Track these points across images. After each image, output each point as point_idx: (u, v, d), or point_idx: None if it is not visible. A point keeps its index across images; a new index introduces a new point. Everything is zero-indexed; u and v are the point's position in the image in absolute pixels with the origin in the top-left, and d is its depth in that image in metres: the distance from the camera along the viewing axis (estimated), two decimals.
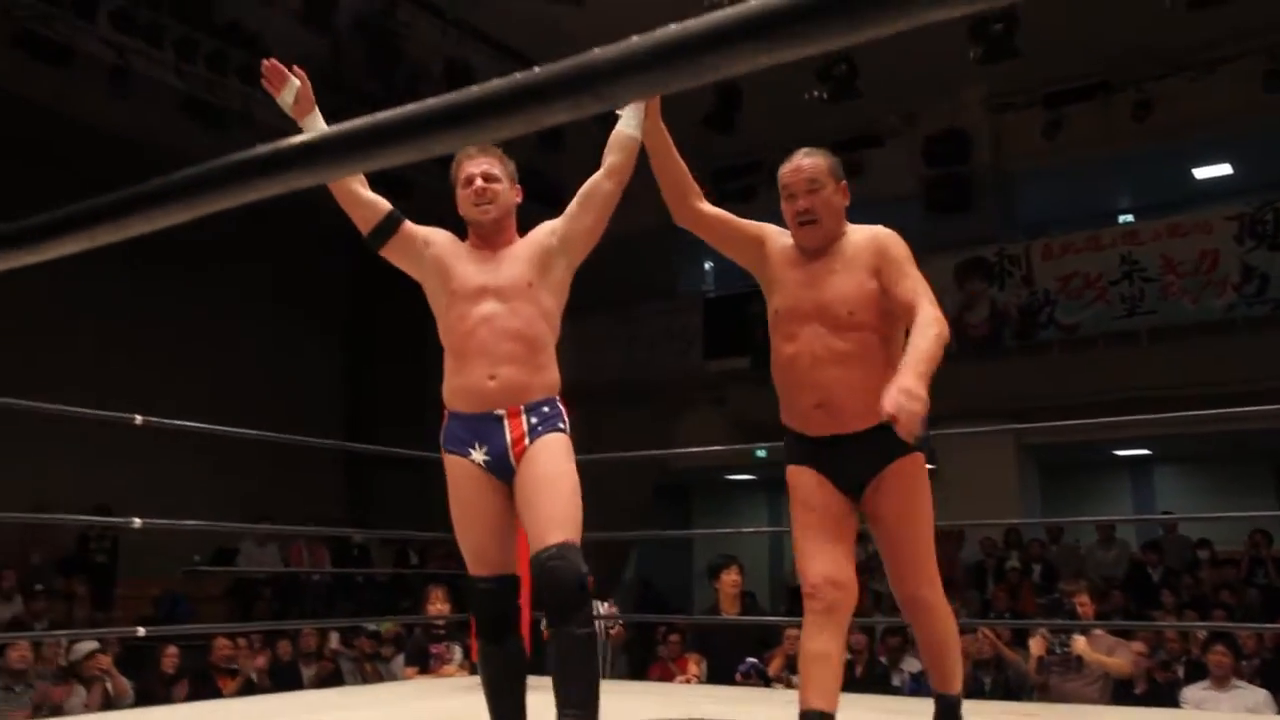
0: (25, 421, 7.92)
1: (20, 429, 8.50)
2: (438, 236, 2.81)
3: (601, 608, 5.97)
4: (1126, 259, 9.68)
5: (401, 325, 8.15)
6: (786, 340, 2.69)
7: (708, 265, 13.11)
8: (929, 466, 2.76)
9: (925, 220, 10.75)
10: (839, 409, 2.64)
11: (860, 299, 2.64)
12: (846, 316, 2.62)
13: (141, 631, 4.78)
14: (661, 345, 11.75)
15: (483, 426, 2.67)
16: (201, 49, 8.70)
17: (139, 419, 3.85)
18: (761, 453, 6.77)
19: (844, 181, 2.79)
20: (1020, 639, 6.48)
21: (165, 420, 4.15)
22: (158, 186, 0.61)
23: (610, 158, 2.82)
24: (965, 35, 8.70)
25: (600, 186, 2.81)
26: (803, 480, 2.71)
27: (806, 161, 2.76)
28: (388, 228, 2.78)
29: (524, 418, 2.66)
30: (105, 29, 8.21)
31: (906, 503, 2.68)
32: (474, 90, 0.55)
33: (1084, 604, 5.86)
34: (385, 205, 2.80)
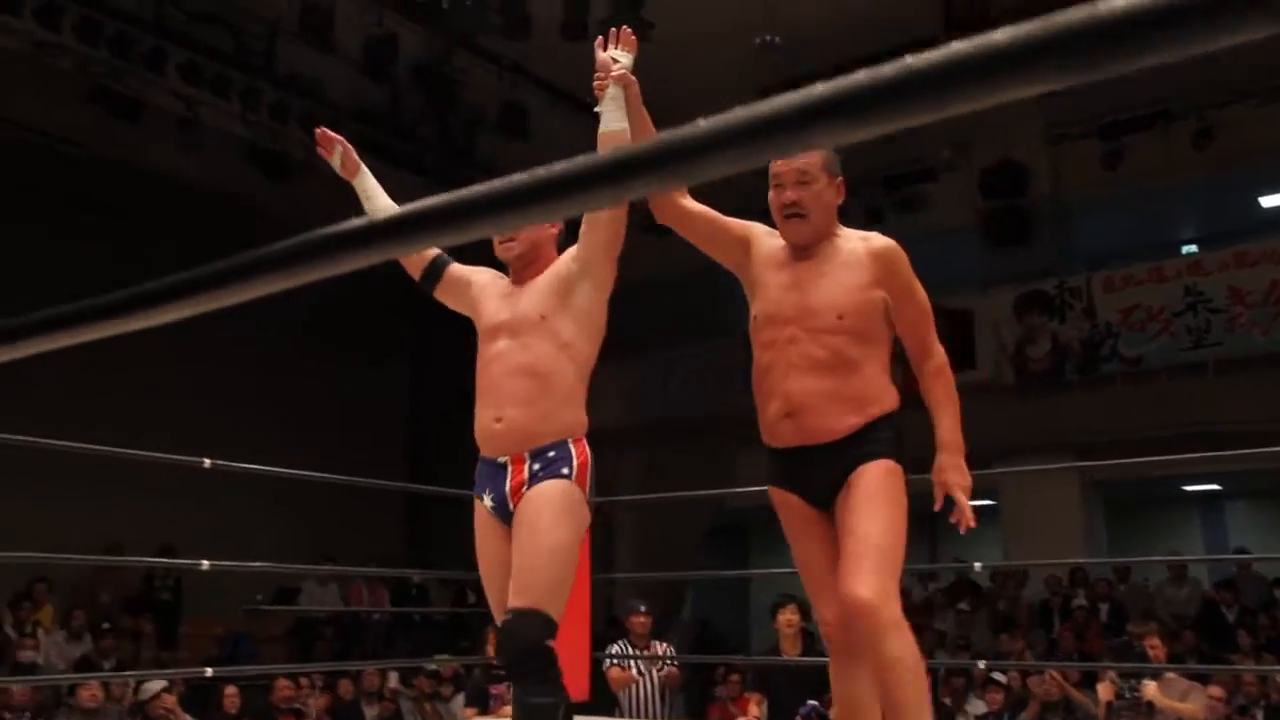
0: (94, 461, 8.09)
1: (90, 469, 8.68)
2: (479, 276, 2.80)
3: (659, 648, 5.93)
4: (1191, 290, 9.49)
5: (461, 364, 8.22)
6: (764, 348, 2.55)
7: None
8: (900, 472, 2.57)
9: (983, 253, 10.65)
10: (807, 420, 2.47)
11: (851, 304, 2.49)
12: (835, 322, 2.48)
13: (209, 672, 4.83)
14: (716, 382, 11.71)
15: (491, 472, 2.61)
16: (265, 99, 8.93)
17: (208, 462, 3.92)
18: None
19: (840, 178, 2.63)
20: (1089, 681, 6.31)
21: (233, 464, 4.21)
22: (255, 259, 0.63)
23: None
24: None
25: None
26: (782, 508, 2.57)
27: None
28: (434, 272, 2.81)
29: (527, 464, 2.54)
30: (174, 82, 8.46)
31: (863, 497, 2.43)
32: (563, 166, 0.55)
33: (1155, 646, 5.70)
34: (431, 251, 2.83)
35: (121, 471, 9.00)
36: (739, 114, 0.51)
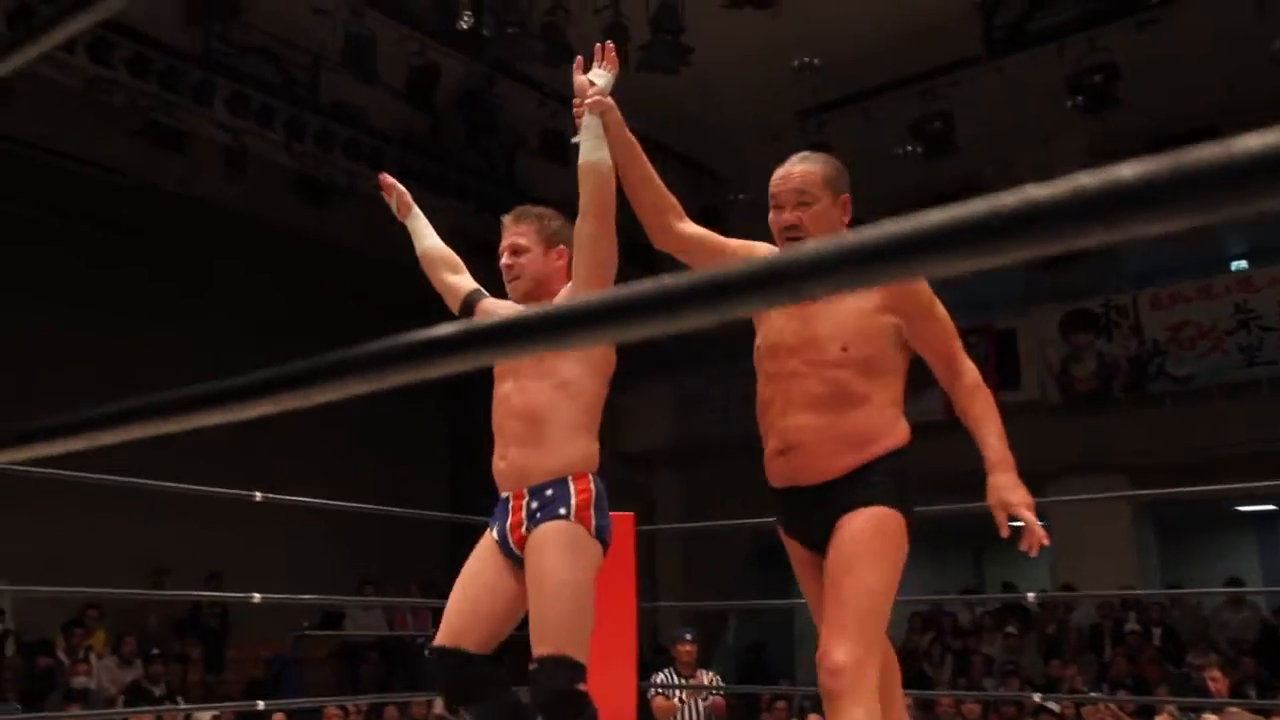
0: (142, 488, 8.20)
1: (137, 495, 8.79)
2: (501, 310, 2.80)
3: (705, 677, 5.88)
4: (1241, 307, 9.33)
5: None
6: (766, 381, 2.40)
7: None
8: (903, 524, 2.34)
9: (1026, 272, 10.55)
10: (801, 458, 2.31)
11: (859, 333, 2.30)
12: (838, 353, 2.29)
13: (261, 705, 4.85)
14: (749, 407, 11.67)
15: (500, 508, 2.65)
16: (309, 128, 9.06)
17: (259, 496, 3.97)
18: None
19: (845, 195, 2.41)
20: (1144, 710, 6.17)
21: (283, 497, 4.26)
22: (340, 360, 0.64)
23: (580, 196, 2.51)
24: (1063, 85, 8.60)
25: (580, 231, 2.53)
26: (789, 551, 2.44)
27: (798, 169, 2.38)
28: (467, 309, 2.85)
29: (525, 501, 2.56)
30: (221, 113, 8.61)
31: (849, 551, 2.22)
32: (668, 282, 0.54)
33: (1215, 679, 5.53)
34: (466, 287, 2.88)
35: (168, 497, 9.12)
36: (851, 241, 0.49)
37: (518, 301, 2.72)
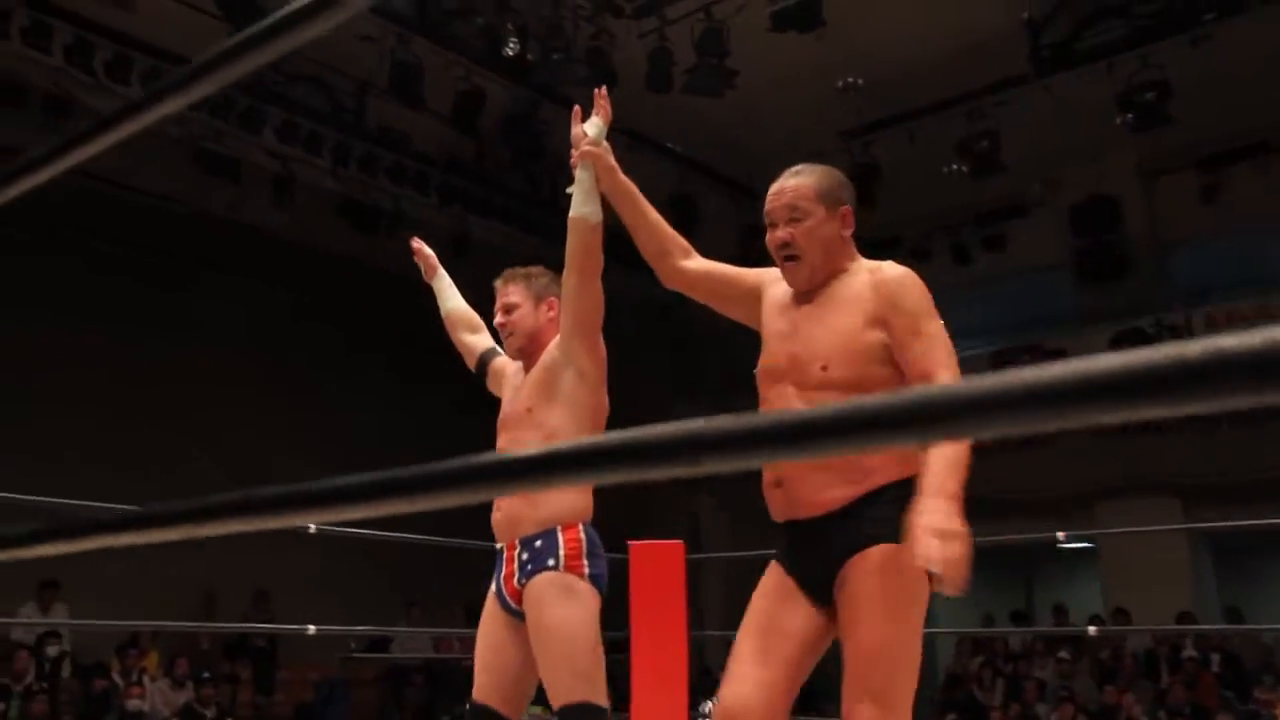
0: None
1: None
2: (509, 367, 2.88)
3: None
4: None
5: None
6: (762, 406, 2.25)
7: None
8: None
9: (1076, 291, 10.43)
10: (793, 490, 2.14)
11: (842, 352, 2.12)
12: (819, 373, 2.12)
13: None
14: None
15: (496, 560, 2.70)
16: (355, 153, 9.20)
17: (313, 527, 4.03)
18: None
19: (845, 207, 2.27)
20: None
21: (335, 526, 4.30)
22: (411, 476, 0.66)
23: (567, 248, 2.55)
24: (1113, 103, 8.53)
25: (565, 283, 2.58)
26: (765, 577, 2.23)
27: (790, 183, 2.26)
28: (482, 367, 2.99)
29: (517, 552, 2.61)
30: (270, 140, 8.77)
31: (864, 599, 2.03)
32: (793, 414, 0.53)
33: None
34: (482, 347, 3.01)
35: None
36: (998, 383, 0.46)
37: (513, 357, 2.82)
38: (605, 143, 2.48)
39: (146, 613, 7.97)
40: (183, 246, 9.82)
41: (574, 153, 2.49)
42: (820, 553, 2.09)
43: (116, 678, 8.05)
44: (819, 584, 2.10)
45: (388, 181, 9.45)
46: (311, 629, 4.02)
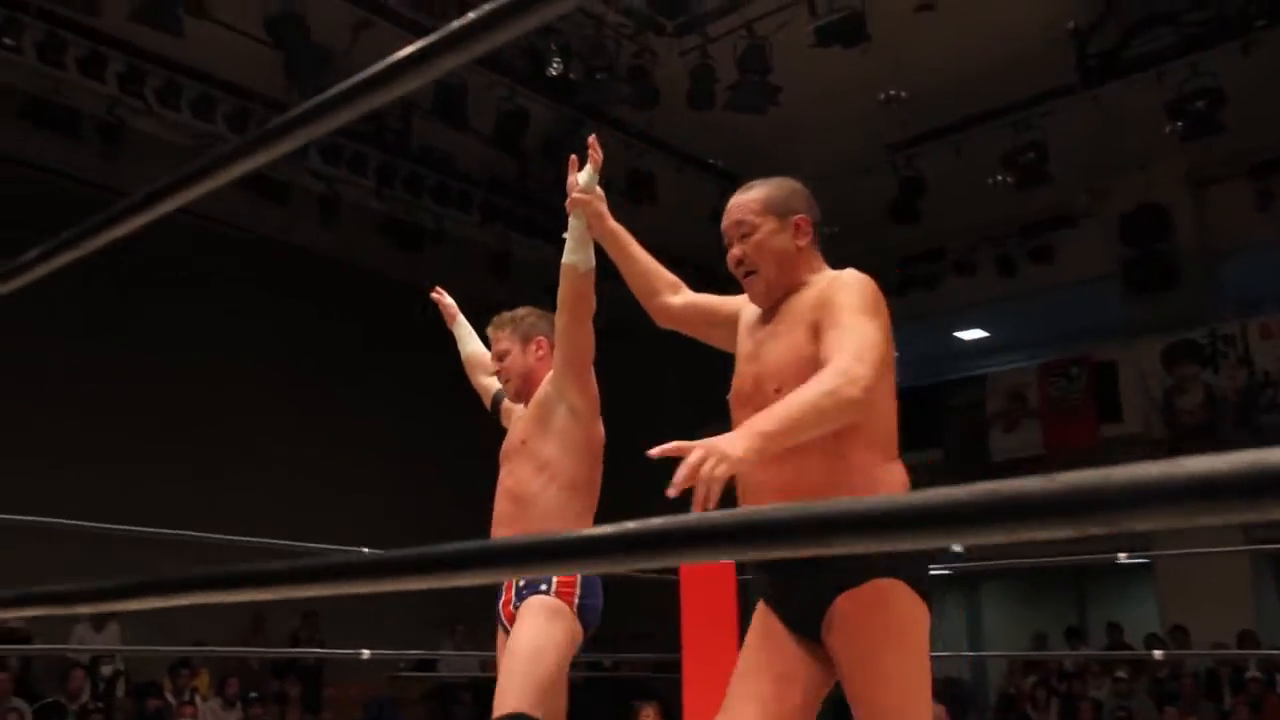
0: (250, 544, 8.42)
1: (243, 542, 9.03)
2: (516, 407, 3.00)
3: None
4: None
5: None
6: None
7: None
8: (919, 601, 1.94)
9: (1125, 302, 10.29)
10: None
11: (789, 370, 2.01)
12: (773, 395, 1.98)
13: None
14: None
15: (498, 588, 2.78)
16: (399, 173, 9.32)
17: (367, 551, 4.05)
18: (957, 548, 6.49)
19: (798, 216, 2.18)
20: None
21: (390, 552, 4.34)
22: (468, 551, 0.68)
23: (559, 292, 2.65)
24: (1162, 111, 8.43)
25: (557, 324, 2.69)
26: (754, 617, 2.11)
27: (738, 199, 2.21)
28: (495, 408, 3.18)
29: (515, 581, 2.69)
30: (316, 162, 8.91)
31: (865, 651, 1.90)
32: (938, 494, 0.50)
33: None
34: (495, 387, 3.15)
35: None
36: (1177, 471, 0.46)
37: (512, 399, 2.96)
38: (598, 189, 2.52)
39: (197, 632, 8.08)
40: (235, 267, 9.98)
41: (567, 201, 2.54)
42: (804, 586, 1.96)
43: (169, 697, 8.16)
44: (805, 622, 1.99)
45: (431, 201, 9.56)
46: (366, 653, 4.07)
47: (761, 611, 2.09)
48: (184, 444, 9.61)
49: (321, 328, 10.60)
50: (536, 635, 2.55)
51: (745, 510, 0.58)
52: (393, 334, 10.97)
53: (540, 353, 2.88)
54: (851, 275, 2.10)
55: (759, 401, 2.00)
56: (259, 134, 0.89)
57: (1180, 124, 8.44)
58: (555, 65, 8.12)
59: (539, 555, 0.68)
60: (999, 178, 9.37)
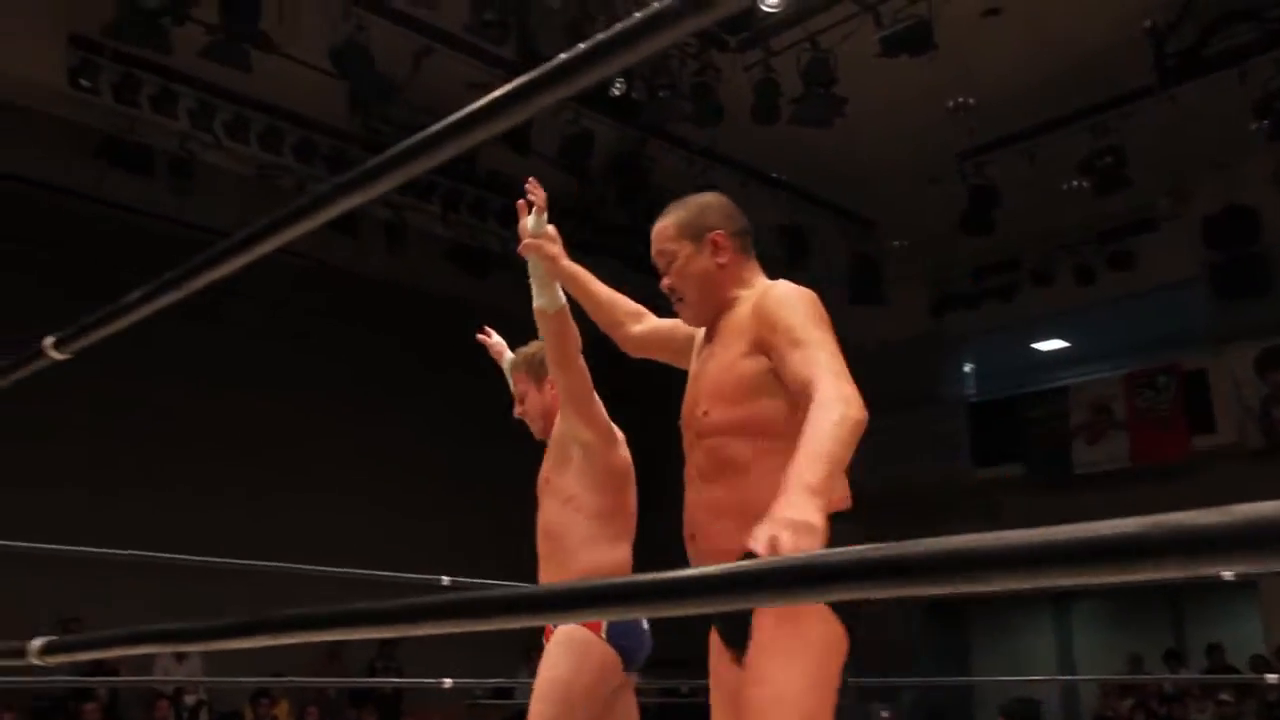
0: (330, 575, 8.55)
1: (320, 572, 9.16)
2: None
3: None
4: None
5: (645, 473, 8.29)
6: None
7: (968, 368, 12.68)
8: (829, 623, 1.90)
9: (1213, 308, 10.01)
10: (702, 542, 2.04)
11: (718, 390, 2.02)
12: (702, 419, 2.04)
13: None
14: (925, 454, 11.37)
15: None
16: (465, 199, 9.45)
17: (446, 579, 4.18)
18: (1228, 575, 6.34)
19: (714, 234, 2.15)
20: None
21: (469, 579, 4.40)
22: (512, 595, 0.74)
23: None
24: (1247, 109, 8.23)
25: (549, 367, 2.78)
26: (710, 645, 2.13)
27: (655, 228, 2.23)
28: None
29: None
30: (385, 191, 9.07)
31: (755, 655, 1.88)
32: (1107, 528, 0.49)
33: None
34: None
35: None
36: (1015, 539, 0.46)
37: (538, 438, 3.02)
38: (548, 229, 2.57)
39: (276, 662, 8.21)
40: (300, 296, 10.19)
41: (519, 248, 2.60)
42: (733, 611, 1.93)
43: None
44: (735, 638, 1.98)
45: (496, 224, 9.66)
46: (448, 682, 4.12)
47: (713, 632, 2.11)
48: (241, 468, 9.79)
49: (386, 355, 10.76)
50: (552, 668, 2.59)
51: (873, 549, 0.57)
52: (457, 357, 11.09)
53: (553, 390, 2.92)
54: (787, 288, 2.06)
55: (692, 425, 2.06)
56: (357, 173, 0.91)
57: (1266, 122, 8.23)
58: (618, 85, 8.17)
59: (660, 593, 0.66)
60: (1075, 183, 9.20)
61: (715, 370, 2.06)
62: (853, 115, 8.23)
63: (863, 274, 10.45)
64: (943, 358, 12.07)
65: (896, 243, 10.61)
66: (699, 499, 2.05)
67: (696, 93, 8.25)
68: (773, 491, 1.78)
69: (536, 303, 2.62)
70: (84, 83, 7.55)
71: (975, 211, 9.49)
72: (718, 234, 2.16)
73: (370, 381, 10.70)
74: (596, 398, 2.76)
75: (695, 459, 2.07)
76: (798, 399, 1.85)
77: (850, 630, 1.93)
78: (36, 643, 1.27)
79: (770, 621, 1.88)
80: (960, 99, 8.90)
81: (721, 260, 2.15)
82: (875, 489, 11.21)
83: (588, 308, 2.51)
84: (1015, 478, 10.33)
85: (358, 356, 10.65)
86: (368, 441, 10.72)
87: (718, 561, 1.92)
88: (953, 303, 11.07)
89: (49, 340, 1.49)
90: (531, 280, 2.62)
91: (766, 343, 1.97)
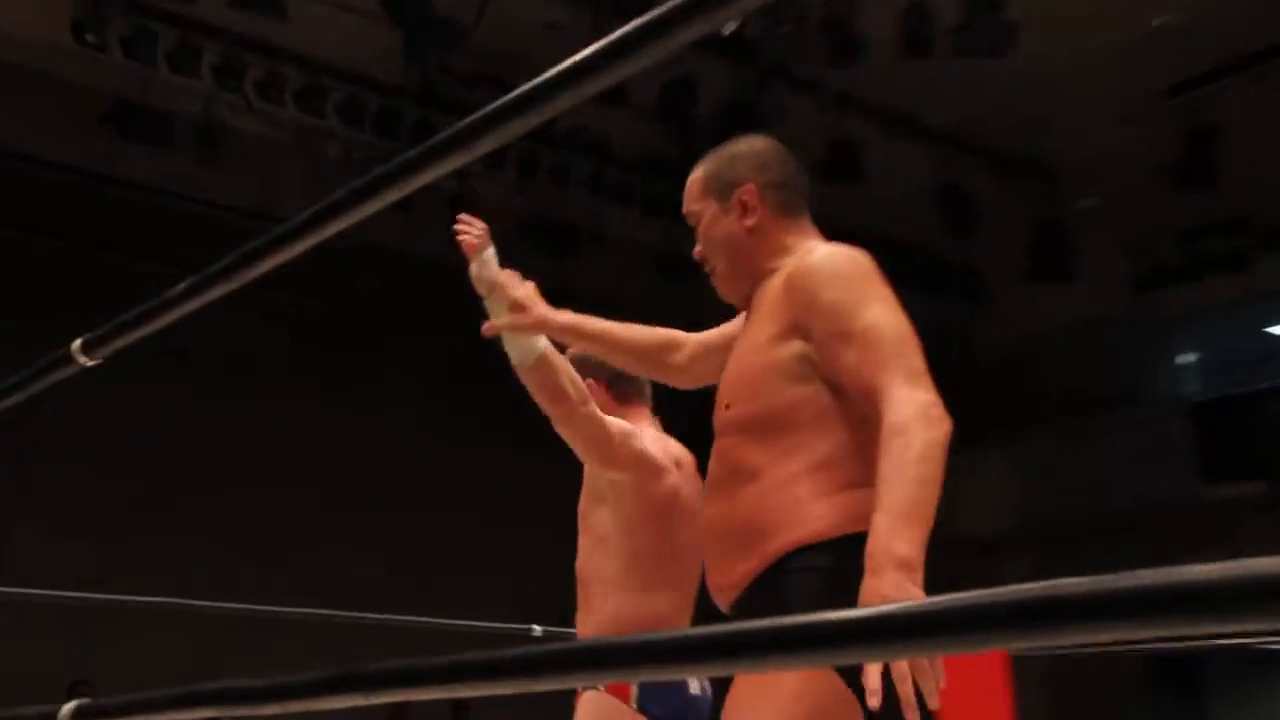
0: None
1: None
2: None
3: None
4: None
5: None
6: None
7: (1183, 359, 12.34)
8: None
9: None
10: (711, 573, 2.04)
11: (744, 380, 2.01)
12: (722, 415, 2.02)
13: None
14: (1131, 469, 11.11)
15: None
16: (542, 163, 9.49)
17: (538, 629, 4.29)
18: None
19: (744, 187, 2.10)
20: None
21: (559, 628, 4.50)
22: (551, 652, 0.73)
23: None
24: None
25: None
26: None
27: (688, 184, 2.22)
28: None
29: None
30: None
31: (735, 696, 1.90)
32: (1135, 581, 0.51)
33: None
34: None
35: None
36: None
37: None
38: (503, 274, 2.68)
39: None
40: (345, 283, 10.41)
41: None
42: None
43: None
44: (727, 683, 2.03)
45: (585, 193, 9.70)
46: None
47: None
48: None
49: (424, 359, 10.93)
50: None
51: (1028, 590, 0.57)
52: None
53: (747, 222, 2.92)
54: (826, 253, 2.02)
55: (719, 418, 2.03)
56: (426, 148, 0.93)
57: None
58: (730, 23, 8.16)
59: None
60: None
61: (741, 357, 2.05)
62: (1028, 45, 8.09)
63: (1044, 242, 10.24)
64: (1153, 346, 11.77)
65: (1086, 202, 10.38)
66: (704, 517, 2.06)
67: (828, 24, 8.18)
68: (784, 508, 1.86)
69: (513, 362, 2.66)
70: (90, 37, 7.75)
71: (1190, 159, 9.25)
72: (746, 189, 2.11)
73: (435, 403, 10.87)
74: (621, 428, 2.79)
75: (713, 465, 2.06)
76: (857, 395, 1.84)
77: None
78: (67, 708, 1.31)
79: (750, 682, 1.88)
80: (1168, 18, 8.69)
81: (749, 223, 2.10)
82: (1049, 515, 11.03)
83: (611, 359, 2.55)
84: (1256, 497, 10.05)
85: (421, 375, 10.80)
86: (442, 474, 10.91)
87: (726, 598, 1.99)
88: (1162, 276, 10.82)
89: (76, 344, 1.51)
90: (505, 342, 2.68)
91: (804, 327, 1.93)
